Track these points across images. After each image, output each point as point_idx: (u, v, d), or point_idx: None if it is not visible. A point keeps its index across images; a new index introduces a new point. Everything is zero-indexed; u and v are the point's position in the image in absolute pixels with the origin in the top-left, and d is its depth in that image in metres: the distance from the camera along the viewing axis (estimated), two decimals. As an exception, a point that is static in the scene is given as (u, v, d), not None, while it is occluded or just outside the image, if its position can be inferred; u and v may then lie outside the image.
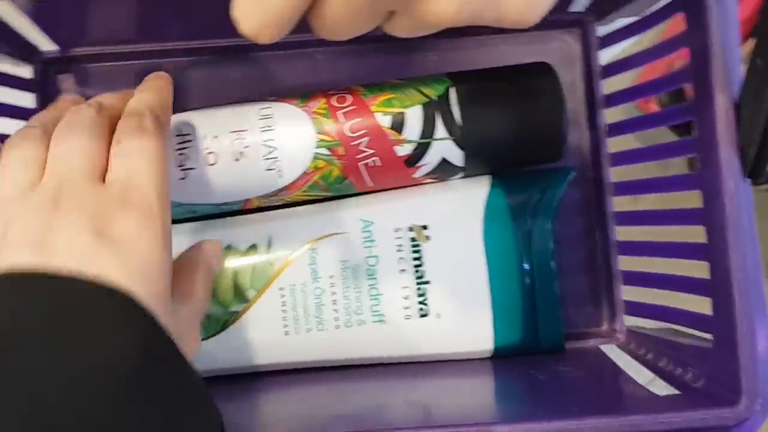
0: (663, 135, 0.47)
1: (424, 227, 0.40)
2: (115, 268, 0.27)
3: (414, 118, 0.39)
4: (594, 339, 0.44)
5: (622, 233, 0.44)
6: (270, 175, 0.39)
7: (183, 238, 0.41)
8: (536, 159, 0.42)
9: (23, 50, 0.43)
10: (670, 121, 0.39)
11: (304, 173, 0.39)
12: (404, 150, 0.39)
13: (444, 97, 0.39)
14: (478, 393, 0.39)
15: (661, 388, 0.37)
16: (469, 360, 0.41)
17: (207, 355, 0.40)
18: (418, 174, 0.40)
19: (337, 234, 0.40)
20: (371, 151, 0.39)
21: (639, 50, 0.41)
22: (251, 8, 0.26)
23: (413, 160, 0.39)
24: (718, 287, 0.34)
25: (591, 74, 0.45)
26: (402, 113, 0.39)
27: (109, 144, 0.32)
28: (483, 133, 0.39)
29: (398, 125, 0.39)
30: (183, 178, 0.39)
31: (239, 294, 0.39)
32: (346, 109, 0.39)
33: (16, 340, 0.24)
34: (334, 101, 0.40)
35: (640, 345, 0.42)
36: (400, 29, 0.28)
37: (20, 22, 0.40)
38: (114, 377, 0.23)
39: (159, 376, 0.25)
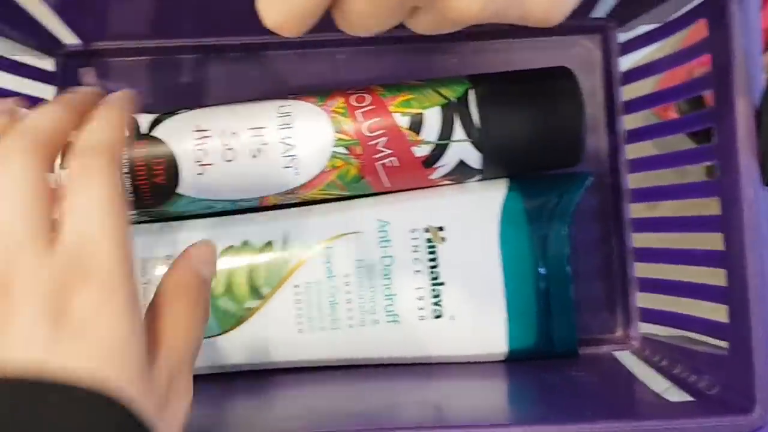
0: (680, 143, 0.47)
1: (440, 228, 0.40)
2: (78, 356, 0.24)
3: (432, 119, 0.39)
4: (608, 345, 0.44)
5: (639, 240, 0.44)
6: (287, 172, 0.39)
7: (200, 233, 0.41)
8: (554, 163, 0.41)
9: (46, 43, 0.43)
10: (690, 128, 0.39)
11: (322, 172, 0.39)
12: (422, 151, 0.39)
13: (463, 99, 0.39)
14: (490, 395, 0.38)
15: (675, 395, 0.37)
16: (482, 362, 0.41)
17: (221, 351, 0.40)
18: (435, 175, 0.40)
19: (353, 233, 0.40)
20: (389, 151, 0.39)
21: (660, 57, 0.41)
22: (276, 3, 0.26)
23: (431, 161, 0.40)
24: (734, 294, 0.33)
25: (611, 80, 0.45)
26: (420, 114, 0.39)
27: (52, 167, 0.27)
28: (501, 136, 0.39)
29: (416, 126, 0.39)
30: (201, 174, 0.39)
31: (254, 291, 0.39)
32: (365, 109, 0.39)
33: None
34: (352, 100, 0.40)
35: (654, 352, 0.41)
36: (423, 25, 0.28)
37: (44, 14, 0.41)
38: None
39: None
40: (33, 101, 0.42)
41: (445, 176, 0.40)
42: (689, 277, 0.39)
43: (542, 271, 0.41)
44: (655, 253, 0.42)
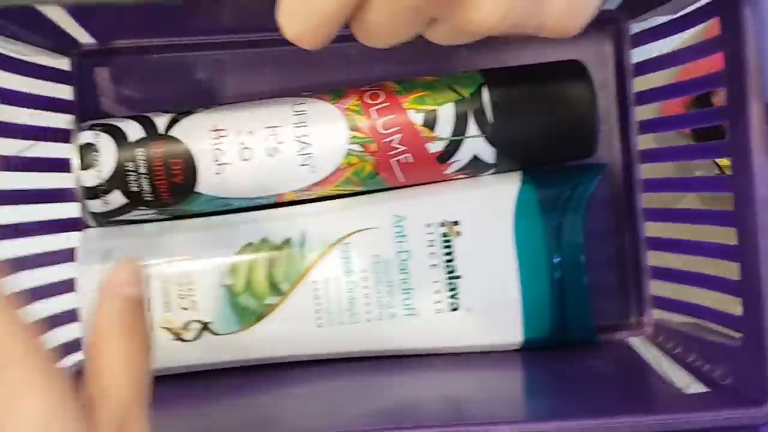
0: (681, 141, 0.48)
1: (456, 223, 0.41)
2: None
3: (446, 115, 0.40)
4: (622, 332, 0.45)
5: (651, 229, 0.45)
6: (303, 170, 0.40)
7: (219, 231, 0.41)
8: (568, 156, 0.42)
9: (62, 43, 0.43)
10: (702, 123, 0.40)
11: (337, 169, 0.40)
12: (436, 147, 0.40)
13: (476, 95, 0.40)
14: (509, 388, 0.39)
15: (689, 384, 0.37)
16: (498, 352, 0.42)
17: (242, 346, 0.40)
18: (449, 170, 0.41)
19: (369, 229, 0.41)
20: (403, 148, 0.40)
21: (672, 49, 0.41)
22: (296, 14, 0.26)
23: (445, 157, 0.40)
24: (748, 289, 0.34)
25: (623, 72, 0.45)
26: (434, 111, 0.39)
27: None
28: (515, 131, 0.40)
29: (431, 123, 0.39)
30: (218, 173, 0.40)
31: (274, 287, 0.40)
32: (379, 106, 0.40)
33: None
34: (366, 98, 0.40)
35: (668, 338, 0.42)
36: (441, 36, 0.29)
37: (59, 14, 0.41)
38: None
39: None
40: (51, 102, 0.43)
41: (459, 171, 0.41)
42: (702, 267, 0.40)
43: (557, 261, 0.41)
44: (667, 243, 0.43)
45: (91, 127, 0.40)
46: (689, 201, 0.44)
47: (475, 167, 0.41)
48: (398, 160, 0.40)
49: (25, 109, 0.40)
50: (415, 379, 0.40)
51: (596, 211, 0.45)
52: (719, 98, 0.38)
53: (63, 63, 0.44)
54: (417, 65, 0.43)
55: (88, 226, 0.42)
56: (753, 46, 0.32)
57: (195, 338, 0.40)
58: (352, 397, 0.39)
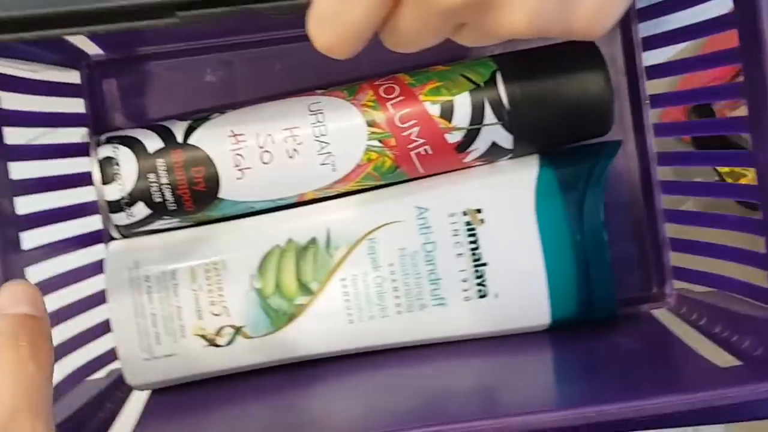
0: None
1: (479, 211, 0.41)
2: None
3: (463, 105, 0.40)
4: (644, 304, 0.46)
5: (668, 202, 0.45)
6: (324, 169, 0.40)
7: (244, 235, 0.42)
8: (584, 135, 0.42)
9: (71, 56, 0.43)
10: (716, 98, 0.40)
11: (358, 165, 0.40)
12: (454, 137, 0.40)
13: (491, 83, 0.40)
14: (541, 372, 0.40)
15: (715, 355, 0.38)
16: (526, 334, 0.43)
17: (276, 347, 0.41)
18: (468, 159, 0.41)
19: (393, 223, 0.41)
20: (422, 141, 0.40)
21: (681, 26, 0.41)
22: (327, 25, 0.26)
23: (464, 146, 0.40)
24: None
25: (632, 46, 0.45)
26: (451, 101, 0.40)
27: None
28: (532, 116, 0.40)
29: (448, 113, 0.40)
30: (240, 178, 0.40)
31: (303, 287, 0.41)
32: (395, 100, 0.40)
33: None
34: (382, 92, 0.40)
35: (691, 310, 0.43)
36: (469, 40, 0.29)
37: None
38: None
39: None
40: (64, 118, 0.42)
41: (477, 158, 0.41)
42: (722, 239, 0.40)
43: (579, 240, 0.42)
44: (686, 215, 0.43)
45: (109, 140, 0.40)
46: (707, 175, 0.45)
47: (494, 154, 0.41)
48: (417, 153, 0.40)
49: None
50: (447, 369, 0.41)
51: (611, 183, 0.45)
52: (720, 107, 0.38)
53: (73, 76, 0.44)
54: (427, 52, 0.43)
55: (113, 238, 0.42)
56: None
57: (228, 343, 0.41)
58: (387, 391, 0.39)
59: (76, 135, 0.43)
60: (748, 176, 0.39)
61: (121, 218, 0.40)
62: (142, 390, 0.43)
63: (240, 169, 0.40)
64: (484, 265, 0.41)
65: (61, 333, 0.38)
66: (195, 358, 0.41)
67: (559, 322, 0.42)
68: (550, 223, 0.41)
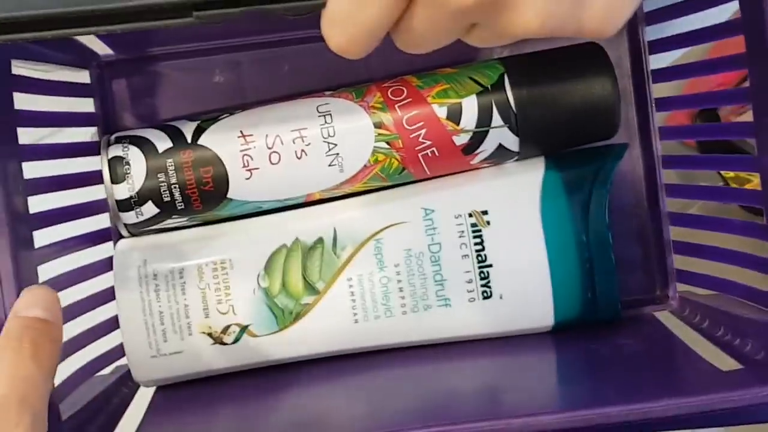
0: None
1: (485, 212, 0.41)
2: None
3: (470, 107, 0.40)
4: (647, 306, 0.46)
5: (672, 205, 0.45)
6: (331, 170, 0.40)
7: (252, 234, 0.42)
8: (591, 138, 0.42)
9: (81, 56, 0.43)
10: (721, 103, 0.40)
11: (365, 167, 0.41)
12: (461, 139, 0.40)
13: (499, 85, 0.40)
14: (545, 373, 0.40)
15: (717, 358, 0.38)
16: (530, 335, 0.43)
17: (281, 346, 0.41)
18: (475, 161, 0.41)
19: (400, 224, 0.41)
20: (429, 143, 0.40)
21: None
22: (340, 25, 0.27)
23: (471, 148, 0.41)
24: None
25: (639, 49, 0.45)
26: (458, 103, 0.40)
27: None
28: (539, 119, 0.40)
29: (455, 115, 0.40)
30: (248, 178, 0.40)
31: (309, 286, 0.41)
32: (403, 102, 0.40)
33: None
34: (389, 94, 0.40)
35: (694, 312, 0.43)
36: (480, 40, 0.29)
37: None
38: None
39: None
40: (74, 118, 0.43)
41: (484, 160, 0.41)
42: (725, 243, 0.40)
43: (584, 242, 0.42)
44: (691, 219, 0.44)
45: (118, 140, 0.41)
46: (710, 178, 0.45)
47: (500, 156, 0.41)
48: (424, 155, 0.40)
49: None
50: (451, 369, 0.41)
51: (616, 185, 0.45)
52: (725, 112, 0.38)
53: (83, 76, 0.44)
54: (436, 54, 0.44)
55: (122, 237, 0.42)
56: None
57: (235, 341, 0.41)
58: (391, 391, 0.40)
59: (86, 134, 0.44)
60: (753, 181, 0.39)
61: (130, 217, 0.41)
62: (149, 386, 0.43)
63: (248, 170, 0.40)
64: (489, 266, 0.41)
65: (69, 330, 0.38)
66: (201, 355, 0.41)
67: (563, 323, 0.42)
68: (555, 225, 0.42)
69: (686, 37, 0.41)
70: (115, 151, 0.40)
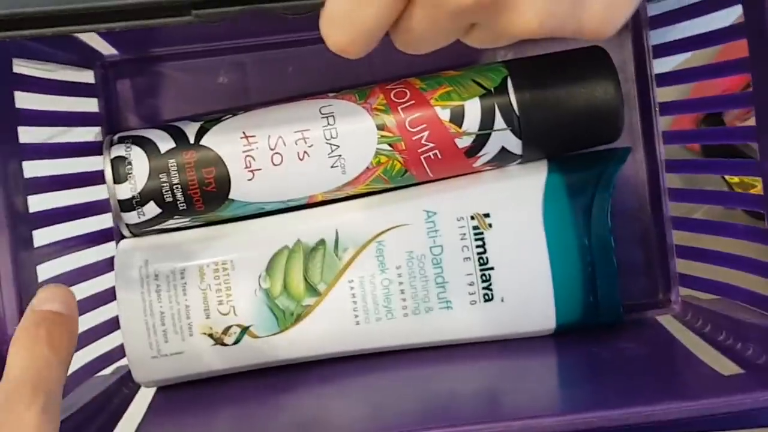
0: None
1: (486, 215, 0.41)
2: None
3: (473, 110, 0.40)
4: (649, 310, 0.46)
5: (675, 209, 0.45)
6: (334, 172, 0.40)
7: (253, 235, 0.42)
8: (594, 142, 0.42)
9: (85, 56, 0.43)
10: (724, 107, 0.40)
11: (367, 168, 0.41)
12: (464, 142, 0.40)
13: (502, 88, 0.40)
14: (546, 376, 0.40)
15: (718, 362, 0.38)
16: (532, 338, 0.43)
17: (282, 347, 0.41)
18: (477, 164, 0.41)
19: (401, 226, 0.41)
20: (432, 145, 0.40)
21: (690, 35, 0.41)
22: (339, 25, 0.27)
23: (473, 151, 0.40)
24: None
25: (642, 53, 0.45)
26: (461, 106, 0.40)
27: None
28: (542, 123, 0.40)
29: (458, 118, 0.40)
30: (251, 179, 0.40)
31: (310, 288, 0.41)
32: (406, 104, 0.40)
33: None
34: (392, 96, 0.40)
35: (696, 317, 0.43)
36: (480, 41, 0.29)
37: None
38: None
39: None
40: (77, 118, 0.43)
41: (486, 163, 0.41)
42: (728, 247, 0.40)
43: (586, 246, 0.42)
44: (694, 223, 0.44)
45: (121, 140, 0.41)
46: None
47: (503, 159, 0.41)
48: (427, 157, 0.40)
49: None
50: (451, 371, 0.41)
51: (619, 189, 0.45)
52: (731, 118, 0.38)
53: (87, 76, 0.44)
54: (438, 57, 0.44)
55: (123, 237, 0.43)
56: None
57: (235, 342, 0.41)
58: (391, 392, 0.40)
59: (89, 134, 0.44)
60: (758, 186, 0.39)
61: (131, 217, 0.41)
62: (149, 387, 0.43)
63: (251, 171, 0.40)
64: (491, 269, 0.41)
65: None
66: (202, 356, 0.41)
67: (565, 326, 0.42)
68: (558, 229, 0.42)
69: (690, 41, 0.41)
70: (118, 151, 0.40)
